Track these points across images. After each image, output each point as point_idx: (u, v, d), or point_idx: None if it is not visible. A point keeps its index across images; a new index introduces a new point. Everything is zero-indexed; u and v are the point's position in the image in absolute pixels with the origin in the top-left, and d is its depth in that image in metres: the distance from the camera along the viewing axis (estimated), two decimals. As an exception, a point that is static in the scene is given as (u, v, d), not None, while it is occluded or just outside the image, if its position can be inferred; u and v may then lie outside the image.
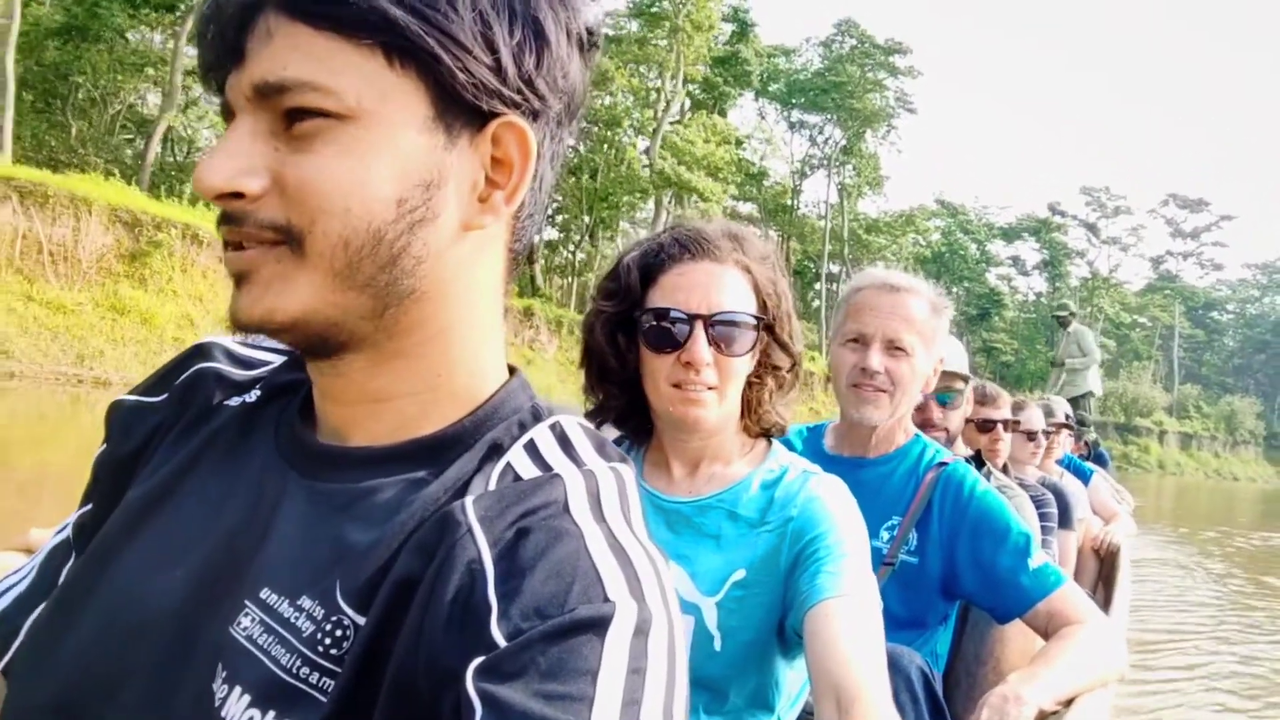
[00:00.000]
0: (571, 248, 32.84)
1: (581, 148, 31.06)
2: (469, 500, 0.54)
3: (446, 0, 0.52)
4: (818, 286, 50.57)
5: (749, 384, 1.21)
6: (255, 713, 0.53)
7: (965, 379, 2.34)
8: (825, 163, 47.94)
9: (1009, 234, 61.90)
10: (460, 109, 0.55)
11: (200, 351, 0.72)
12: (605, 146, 30.50)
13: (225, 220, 0.55)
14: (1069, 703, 1.34)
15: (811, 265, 50.63)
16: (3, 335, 13.52)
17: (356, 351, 0.58)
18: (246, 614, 0.56)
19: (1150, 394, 59.26)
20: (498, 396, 0.61)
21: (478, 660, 0.48)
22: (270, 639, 0.55)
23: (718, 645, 1.15)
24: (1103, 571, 3.59)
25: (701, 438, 1.23)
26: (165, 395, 0.70)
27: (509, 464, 0.58)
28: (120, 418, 0.70)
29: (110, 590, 0.60)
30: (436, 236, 0.56)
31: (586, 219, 31.01)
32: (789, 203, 47.07)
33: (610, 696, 0.46)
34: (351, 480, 0.58)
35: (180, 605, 0.58)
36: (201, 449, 0.65)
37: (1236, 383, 72.16)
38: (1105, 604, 2.94)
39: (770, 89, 45.15)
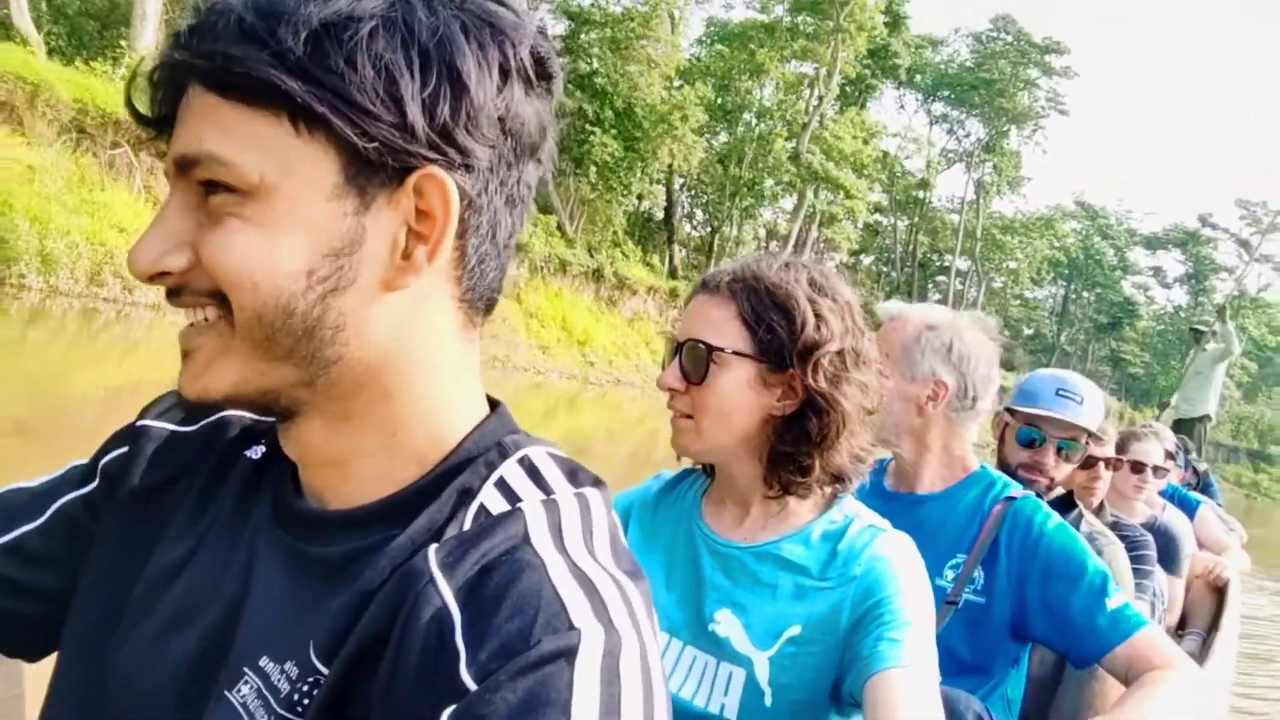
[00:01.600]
0: (713, 232, 33.92)
1: (728, 136, 32.07)
2: (431, 549, 0.54)
3: (345, 60, 0.51)
4: (940, 279, 50.21)
5: (772, 428, 1.14)
6: None
7: (1094, 436, 2.06)
8: (964, 158, 47.35)
9: (1152, 243, 59.50)
10: (373, 169, 0.54)
11: None
12: (755, 137, 31.35)
13: (169, 295, 0.56)
14: None
15: (935, 259, 50.26)
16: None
17: (306, 416, 0.58)
18: (246, 681, 0.57)
19: (1290, 421, 56.51)
20: (468, 441, 0.61)
21: (450, 708, 0.47)
22: (258, 704, 0.56)
23: (768, 701, 1.12)
24: (1215, 619, 3.30)
25: (724, 479, 1.23)
26: (195, 429, 0.71)
27: (481, 505, 0.58)
28: (152, 447, 0.70)
29: (126, 658, 0.62)
30: (354, 302, 0.55)
31: (729, 205, 32.01)
32: (921, 195, 46.78)
33: None
34: (329, 544, 0.59)
35: (185, 674, 0.60)
36: (216, 511, 0.66)
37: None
38: (1209, 648, 2.84)
39: (915, 80, 44.81)
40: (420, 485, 0.59)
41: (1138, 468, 3.11)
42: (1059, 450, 2.01)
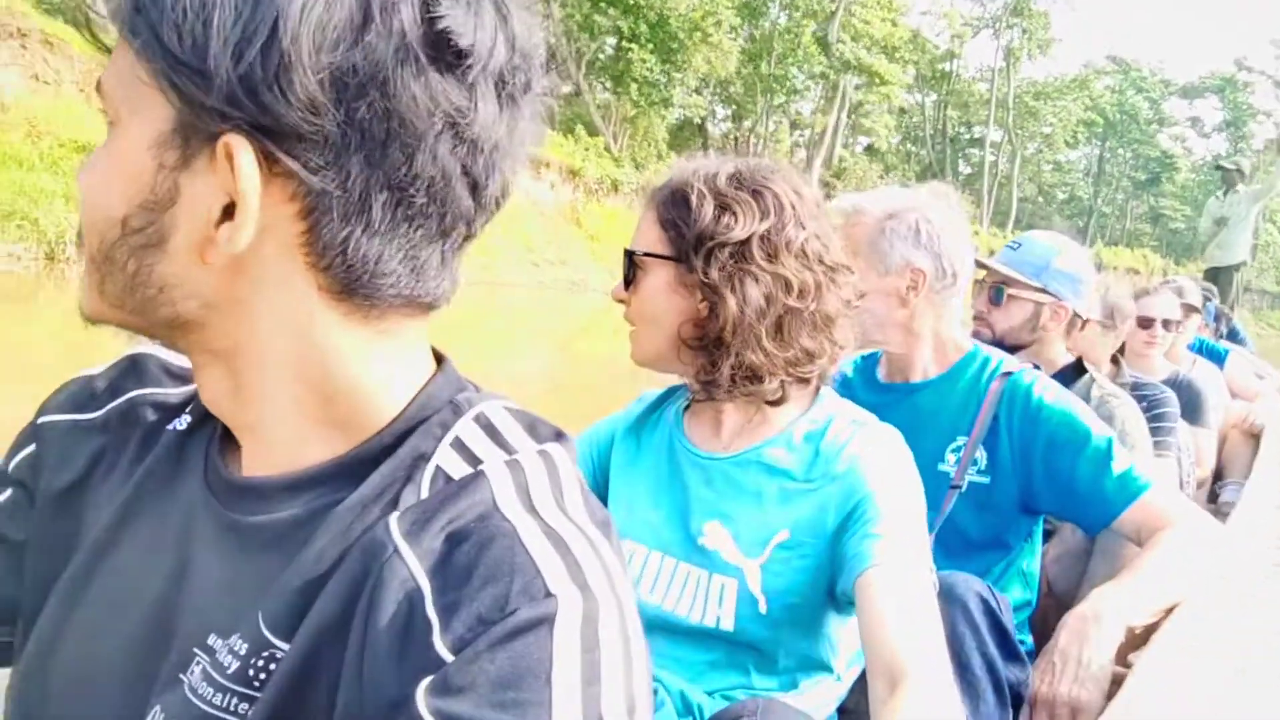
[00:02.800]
0: (747, 130, 33.79)
1: (756, 33, 31.60)
2: (393, 518, 0.52)
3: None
4: (971, 152, 49.48)
5: (703, 331, 1.10)
6: None
7: (1033, 287, 2.01)
8: (991, 24, 45.96)
9: (1189, 92, 57.73)
10: (198, 125, 0.48)
11: (134, 369, 0.69)
12: (782, 31, 30.89)
13: None
14: (1170, 611, 1.26)
15: (966, 131, 49.42)
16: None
17: (197, 369, 0.57)
18: (197, 661, 0.55)
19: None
20: (413, 405, 0.57)
21: (426, 680, 0.46)
22: (206, 684, 0.54)
23: (763, 608, 1.11)
24: (1251, 459, 3.17)
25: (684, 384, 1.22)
26: (101, 414, 0.66)
27: (438, 466, 0.55)
28: (57, 441, 0.66)
29: (69, 650, 0.60)
30: (170, 266, 0.51)
31: (763, 102, 31.81)
32: (947, 68, 45.76)
33: (568, 694, 0.46)
34: (266, 511, 0.56)
35: (126, 663, 0.58)
36: (141, 488, 0.62)
37: None
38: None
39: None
40: (363, 451, 0.56)
41: (1145, 323, 3.02)
42: (991, 299, 2.04)
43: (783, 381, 1.12)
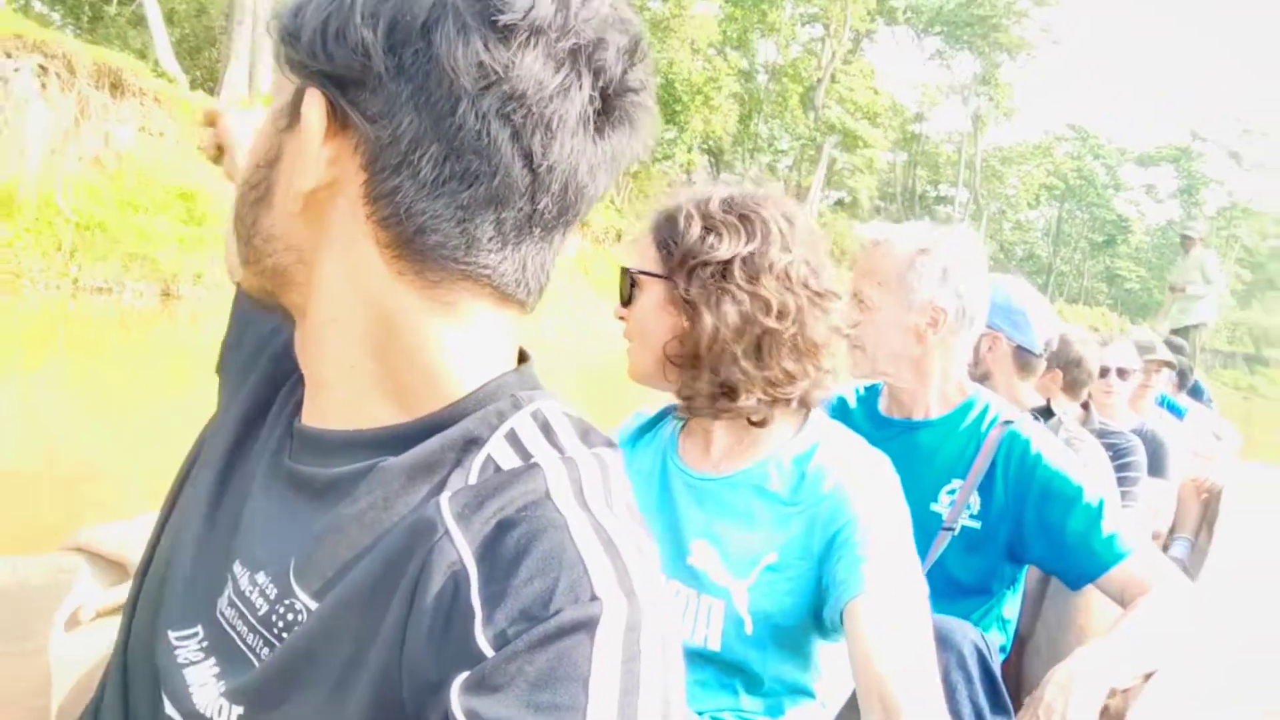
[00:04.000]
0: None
1: (746, 95, 33.75)
2: (444, 498, 0.53)
3: None
4: (938, 209, 52.11)
5: (685, 348, 1.11)
6: (200, 656, 0.59)
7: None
8: (960, 91, 48.91)
9: (1145, 160, 61.18)
10: (297, 86, 0.55)
11: None
12: (771, 96, 33.08)
13: None
14: (1150, 676, 1.25)
15: (933, 190, 52.10)
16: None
17: (296, 325, 0.61)
18: (230, 583, 0.59)
19: (1283, 324, 59.10)
20: (480, 392, 0.58)
21: (464, 675, 0.46)
22: (233, 611, 0.58)
23: (749, 629, 1.11)
24: (1205, 518, 3.26)
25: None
26: (285, 343, 0.70)
27: (489, 455, 0.56)
28: (286, 344, 0.68)
29: (169, 537, 0.68)
30: (273, 218, 0.58)
31: (749, 162, 33.86)
32: (916, 130, 48.46)
33: (604, 701, 0.45)
34: (318, 463, 0.59)
35: (191, 565, 0.64)
36: (261, 418, 0.69)
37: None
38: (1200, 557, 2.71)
39: (909, 19, 46.16)
40: (419, 425, 0.57)
41: (1103, 372, 3.08)
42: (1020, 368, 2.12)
43: (761, 401, 1.12)
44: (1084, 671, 1.21)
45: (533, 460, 0.55)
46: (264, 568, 0.57)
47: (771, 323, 1.09)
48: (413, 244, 0.55)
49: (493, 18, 0.51)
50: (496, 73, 0.51)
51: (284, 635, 0.55)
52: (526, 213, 0.56)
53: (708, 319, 1.09)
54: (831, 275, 1.15)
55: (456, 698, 0.46)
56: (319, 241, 0.57)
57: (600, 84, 0.55)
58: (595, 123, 0.55)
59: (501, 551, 0.50)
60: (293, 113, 0.55)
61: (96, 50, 13.33)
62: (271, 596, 0.56)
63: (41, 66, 11.73)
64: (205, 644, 0.60)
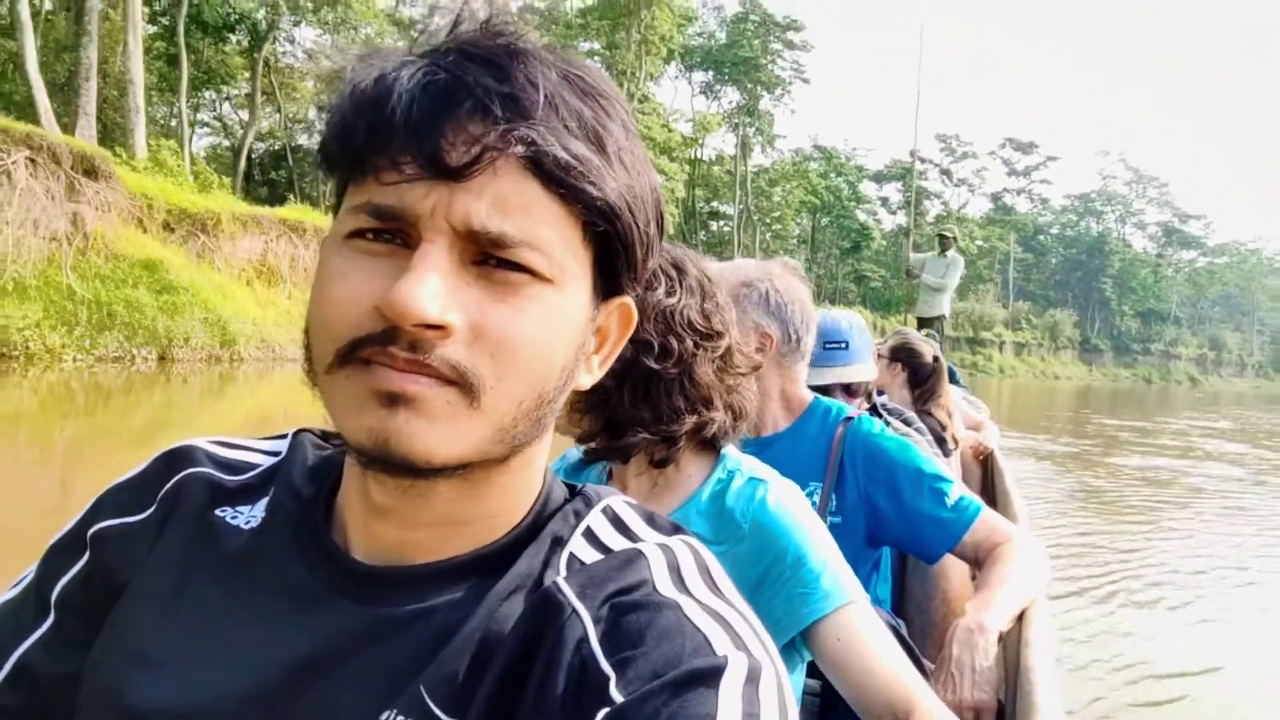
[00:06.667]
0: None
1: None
2: (560, 579, 0.55)
3: (636, 192, 0.55)
4: (710, 224, 58.33)
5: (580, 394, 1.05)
6: None
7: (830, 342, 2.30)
8: (727, 120, 55.27)
9: (879, 177, 71.25)
10: (604, 284, 0.57)
11: (182, 457, 0.68)
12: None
13: (387, 341, 0.50)
14: (1020, 617, 1.37)
15: (706, 206, 58.25)
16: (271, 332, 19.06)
17: (451, 481, 0.56)
18: None
19: (991, 311, 70.59)
20: (543, 492, 0.62)
21: (601, 713, 0.48)
22: None
23: None
24: (986, 481, 3.57)
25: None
26: (150, 511, 0.65)
27: (572, 554, 0.59)
28: (111, 548, 0.64)
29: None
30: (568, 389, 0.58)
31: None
32: (693, 155, 54.28)
33: None
34: (416, 600, 0.57)
35: None
36: (198, 563, 0.61)
37: (1058, 297, 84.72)
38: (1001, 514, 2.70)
39: (682, 57, 51.72)
40: (514, 536, 0.60)
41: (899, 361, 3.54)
42: (846, 391, 2.35)
43: (650, 439, 1.12)
44: (981, 625, 1.31)
45: (639, 545, 0.59)
46: (388, 706, 0.54)
47: (653, 364, 1.10)
48: None
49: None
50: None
51: None
52: None
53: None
54: (724, 320, 1.17)
55: None
56: None
57: None
58: None
59: (624, 630, 0.52)
60: (601, 303, 0.59)
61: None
62: None
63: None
64: None
